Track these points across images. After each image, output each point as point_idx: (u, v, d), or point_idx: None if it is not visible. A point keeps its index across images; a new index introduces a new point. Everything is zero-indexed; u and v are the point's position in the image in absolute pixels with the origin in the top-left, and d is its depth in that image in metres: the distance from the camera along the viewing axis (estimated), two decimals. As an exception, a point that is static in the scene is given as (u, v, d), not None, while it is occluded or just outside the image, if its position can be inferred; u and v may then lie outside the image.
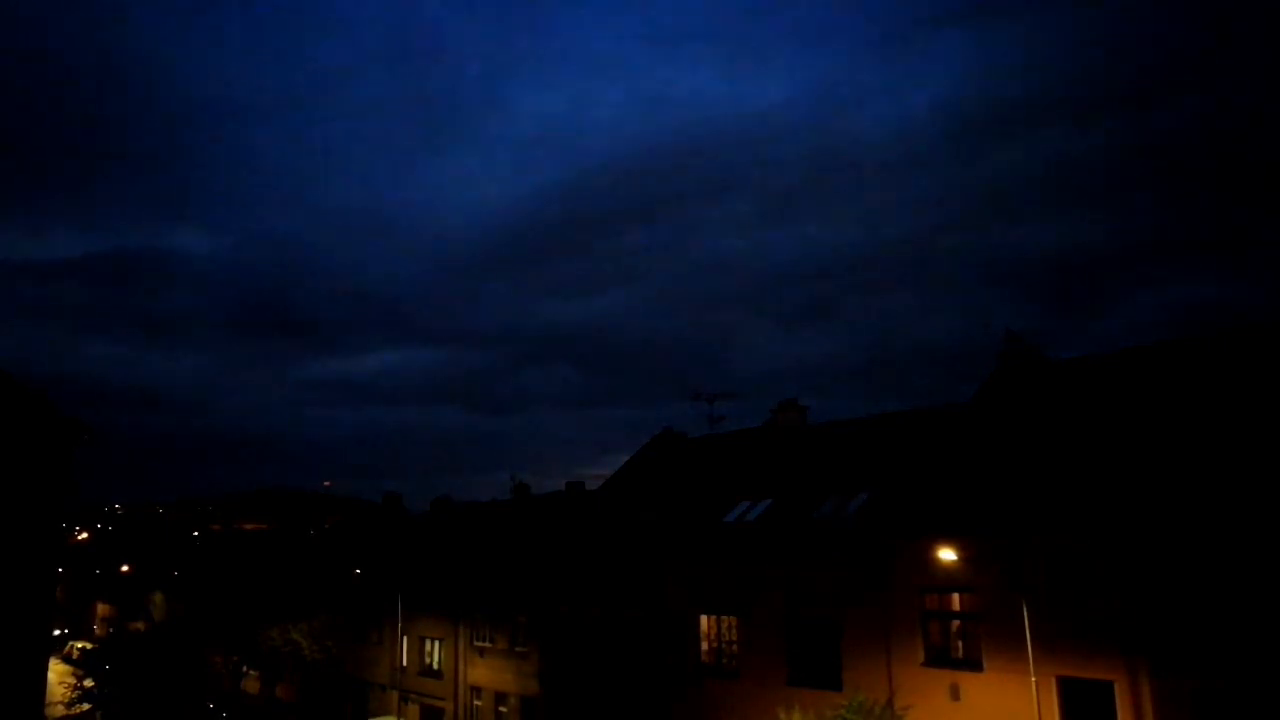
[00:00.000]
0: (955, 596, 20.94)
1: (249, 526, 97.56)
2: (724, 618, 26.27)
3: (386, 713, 40.44)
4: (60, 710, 34.22)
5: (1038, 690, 18.37)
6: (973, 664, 20.05)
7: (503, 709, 34.81)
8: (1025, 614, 18.57)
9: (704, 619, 26.84)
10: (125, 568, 74.98)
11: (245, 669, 50.41)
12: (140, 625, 54.18)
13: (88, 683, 35.46)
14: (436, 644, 39.49)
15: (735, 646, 25.67)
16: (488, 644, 36.08)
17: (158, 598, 60.16)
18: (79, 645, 54.54)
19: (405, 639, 41.01)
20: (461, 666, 37.31)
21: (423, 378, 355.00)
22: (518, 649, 34.17)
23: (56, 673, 32.07)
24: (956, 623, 20.96)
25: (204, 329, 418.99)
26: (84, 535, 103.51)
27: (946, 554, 20.00)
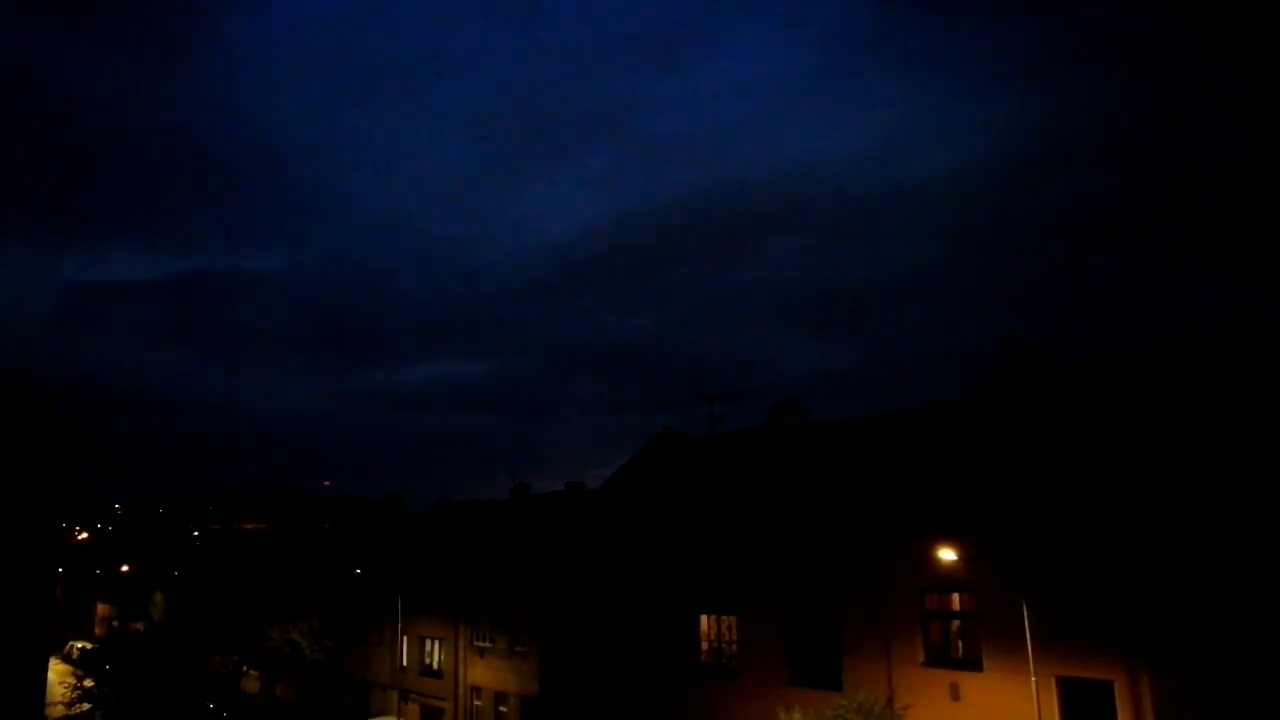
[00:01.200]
0: (955, 596, 20.97)
1: (249, 526, 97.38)
2: (724, 618, 26.27)
3: (386, 712, 40.44)
4: (60, 710, 34.12)
5: (1038, 690, 18.37)
6: (973, 664, 20.07)
7: (503, 709, 34.82)
8: (1025, 614, 18.58)
9: (704, 619, 26.84)
10: (125, 568, 74.83)
11: (245, 669, 50.42)
12: (140, 625, 54.16)
13: (88, 683, 35.38)
14: (436, 644, 39.50)
15: (735, 646, 25.68)
16: (488, 644, 36.09)
17: (158, 598, 60.09)
18: (79, 645, 54.44)
19: (405, 639, 41.02)
20: (461, 666, 37.31)
21: (457, 387, 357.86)
22: (518, 649, 34.19)
23: (56, 673, 32.02)
24: (956, 623, 20.98)
25: (267, 344, 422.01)
26: (84, 535, 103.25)
27: (946, 554, 20.01)
